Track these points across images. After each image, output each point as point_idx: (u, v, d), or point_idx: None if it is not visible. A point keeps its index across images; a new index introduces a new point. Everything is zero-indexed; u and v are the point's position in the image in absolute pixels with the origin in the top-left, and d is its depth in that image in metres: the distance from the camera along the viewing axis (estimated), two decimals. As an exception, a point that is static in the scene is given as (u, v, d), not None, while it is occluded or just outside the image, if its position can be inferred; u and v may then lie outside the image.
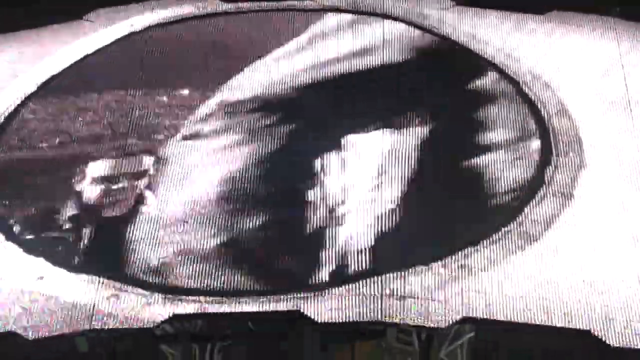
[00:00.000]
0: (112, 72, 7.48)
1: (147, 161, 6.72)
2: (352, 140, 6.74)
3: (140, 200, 6.43)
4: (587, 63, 7.39)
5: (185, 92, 7.30)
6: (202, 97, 7.25)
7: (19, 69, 7.51)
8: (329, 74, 7.35)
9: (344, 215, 6.24)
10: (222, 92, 7.27)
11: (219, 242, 6.15)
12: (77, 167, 6.72)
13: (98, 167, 6.70)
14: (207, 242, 6.14)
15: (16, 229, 6.33)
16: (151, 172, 6.63)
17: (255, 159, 6.69)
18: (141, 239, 6.16)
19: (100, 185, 6.57)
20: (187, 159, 6.74)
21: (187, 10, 8.01)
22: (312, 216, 6.26)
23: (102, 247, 6.18)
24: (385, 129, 6.81)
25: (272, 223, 6.26)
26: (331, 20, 7.83)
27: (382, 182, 6.44)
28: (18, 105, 7.24)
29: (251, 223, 6.25)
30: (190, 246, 6.13)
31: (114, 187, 6.55)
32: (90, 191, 6.55)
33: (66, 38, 7.75)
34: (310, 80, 7.33)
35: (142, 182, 6.56)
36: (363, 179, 6.46)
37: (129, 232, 6.23)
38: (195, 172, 6.63)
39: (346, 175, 6.51)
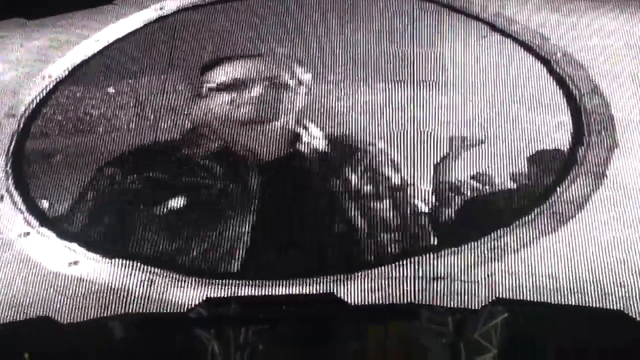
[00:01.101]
0: (143, 56, 7.47)
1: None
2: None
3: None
4: (617, 42, 7.33)
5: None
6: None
7: (51, 54, 7.55)
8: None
9: (374, 200, 6.27)
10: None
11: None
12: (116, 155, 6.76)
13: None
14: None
15: (51, 213, 6.37)
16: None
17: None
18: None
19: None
20: None
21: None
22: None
23: (137, 231, 6.22)
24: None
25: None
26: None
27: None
28: (50, 90, 7.28)
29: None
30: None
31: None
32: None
33: (96, 23, 7.76)
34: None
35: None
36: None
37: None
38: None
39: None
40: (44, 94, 7.22)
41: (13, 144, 6.89)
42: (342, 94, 6.87)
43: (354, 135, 6.60)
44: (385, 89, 6.89)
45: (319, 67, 7.06)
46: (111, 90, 7.21)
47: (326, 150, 6.49)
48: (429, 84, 6.92)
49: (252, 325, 6.27)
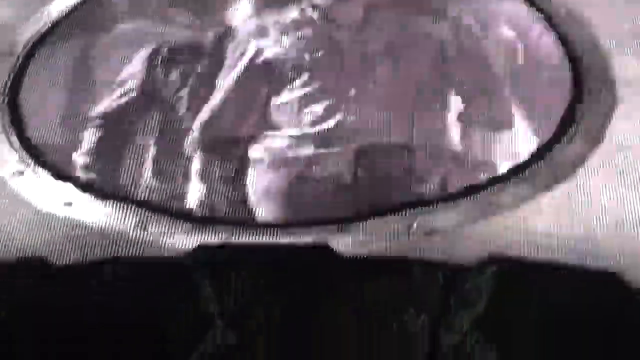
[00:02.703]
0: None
1: None
2: None
3: None
4: (622, -1, 7.28)
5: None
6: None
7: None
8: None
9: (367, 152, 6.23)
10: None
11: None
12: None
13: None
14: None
15: (46, 151, 6.32)
16: None
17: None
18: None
19: None
20: None
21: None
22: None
23: (130, 171, 6.19)
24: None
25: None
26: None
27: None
28: (48, 28, 7.17)
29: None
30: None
31: None
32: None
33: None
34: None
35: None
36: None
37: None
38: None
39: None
40: (42, 32, 7.14)
41: (10, 81, 6.81)
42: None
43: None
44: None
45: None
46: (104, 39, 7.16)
47: None
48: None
49: (244, 271, 6.27)
